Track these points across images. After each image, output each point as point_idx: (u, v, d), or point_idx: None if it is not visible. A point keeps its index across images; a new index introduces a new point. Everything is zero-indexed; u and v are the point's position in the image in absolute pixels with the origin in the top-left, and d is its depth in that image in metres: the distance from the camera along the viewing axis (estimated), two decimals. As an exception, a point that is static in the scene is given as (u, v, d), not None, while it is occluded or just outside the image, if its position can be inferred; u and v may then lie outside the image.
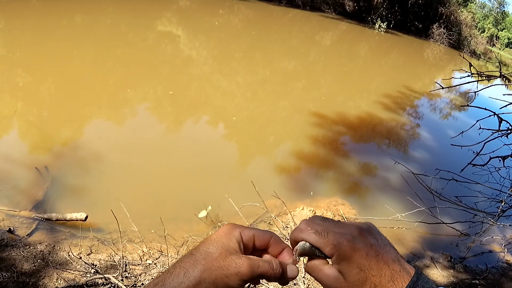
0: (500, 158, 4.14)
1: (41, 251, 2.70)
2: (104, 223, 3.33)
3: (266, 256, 0.63)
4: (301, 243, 0.61)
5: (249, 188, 3.75)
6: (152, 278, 2.56)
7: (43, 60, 6.97)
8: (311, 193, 4.58)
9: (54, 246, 2.81)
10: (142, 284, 2.51)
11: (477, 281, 3.10)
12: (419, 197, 4.45)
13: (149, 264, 2.82)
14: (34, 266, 2.53)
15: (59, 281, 2.41)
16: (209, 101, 7.26)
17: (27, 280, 2.39)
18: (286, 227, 3.79)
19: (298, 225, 0.64)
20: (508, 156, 4.12)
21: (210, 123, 6.36)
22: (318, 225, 0.61)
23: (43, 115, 5.26)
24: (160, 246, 3.10)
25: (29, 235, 2.96)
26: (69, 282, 2.40)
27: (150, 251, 3.02)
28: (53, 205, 3.46)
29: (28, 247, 2.72)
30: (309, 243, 0.60)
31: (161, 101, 6.68)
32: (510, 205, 4.62)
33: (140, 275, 2.64)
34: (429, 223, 4.18)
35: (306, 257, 0.63)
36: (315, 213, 4.13)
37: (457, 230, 4.22)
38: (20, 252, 2.65)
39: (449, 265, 3.47)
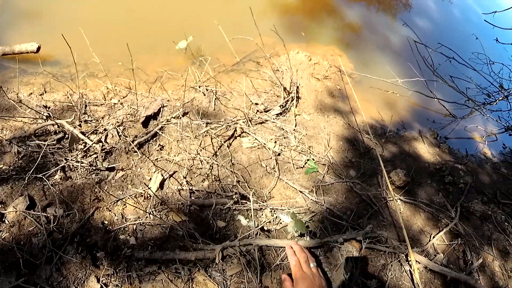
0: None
1: (-18, 94, 2.26)
2: (62, 54, 2.77)
3: None
4: None
5: (235, 21, 3.28)
6: (117, 121, 2.17)
7: None
8: (303, 34, 4.03)
9: (0, 87, 2.35)
10: (105, 129, 2.13)
11: (459, 166, 3.07)
12: (419, 67, 4.16)
13: (115, 104, 2.38)
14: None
15: (4, 132, 2.03)
16: None
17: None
18: (277, 70, 3.24)
19: None
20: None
21: None
22: None
23: None
24: (128, 82, 2.62)
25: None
26: (14, 132, 2.02)
27: (116, 88, 2.55)
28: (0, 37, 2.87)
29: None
30: None
31: None
32: (496, 99, 4.46)
33: (102, 118, 2.23)
34: (424, 95, 3.99)
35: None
36: (310, 59, 3.64)
37: (446, 109, 4.08)
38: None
39: (435, 142, 3.41)
